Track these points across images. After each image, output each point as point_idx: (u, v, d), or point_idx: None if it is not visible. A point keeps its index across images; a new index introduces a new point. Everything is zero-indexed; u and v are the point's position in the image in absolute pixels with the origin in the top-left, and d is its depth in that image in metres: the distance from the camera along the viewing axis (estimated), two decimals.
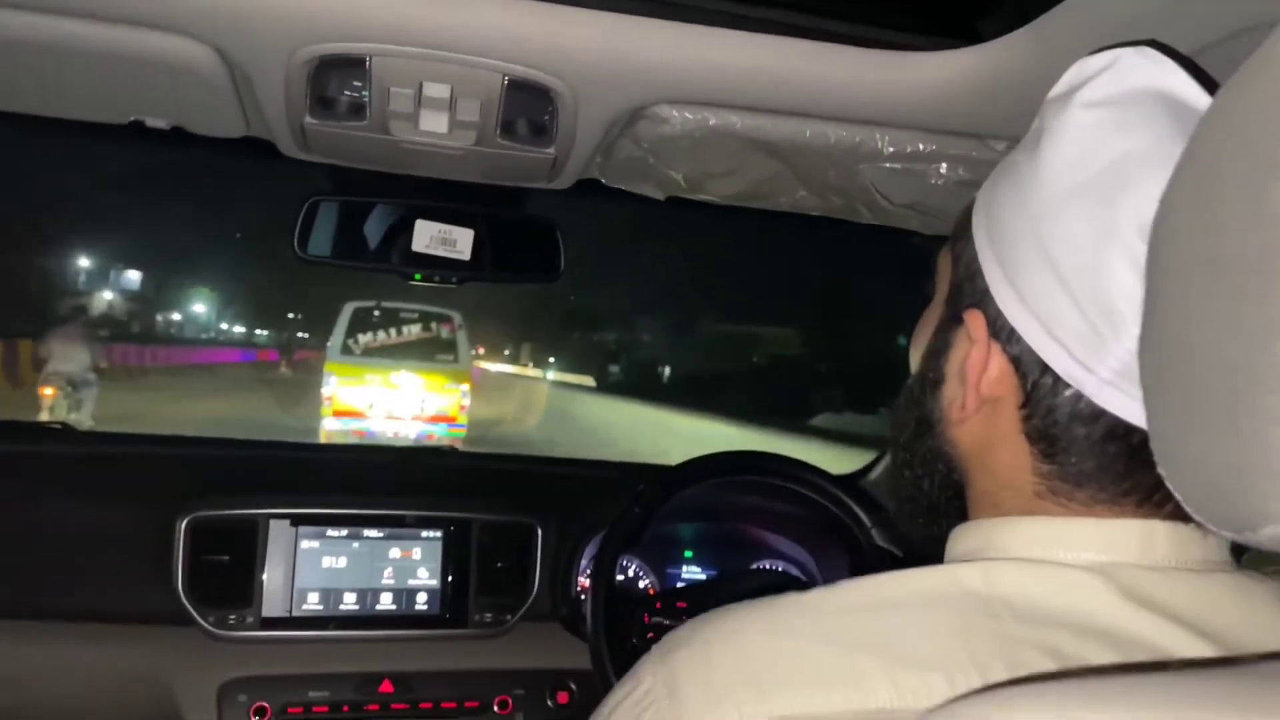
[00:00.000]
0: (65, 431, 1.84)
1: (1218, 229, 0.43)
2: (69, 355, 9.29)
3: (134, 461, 1.76)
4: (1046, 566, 0.59)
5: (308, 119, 1.03)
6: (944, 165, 1.06)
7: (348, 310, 11.11)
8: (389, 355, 10.88)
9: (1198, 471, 0.46)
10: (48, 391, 9.02)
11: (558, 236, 1.44)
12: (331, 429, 10.08)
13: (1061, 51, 0.72)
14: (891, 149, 1.05)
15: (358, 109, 1.02)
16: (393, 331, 11.12)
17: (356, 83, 0.98)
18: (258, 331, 38.92)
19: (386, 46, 0.91)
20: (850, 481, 1.71)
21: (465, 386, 11.02)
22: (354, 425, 10.10)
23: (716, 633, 0.62)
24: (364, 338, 10.94)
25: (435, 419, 10.50)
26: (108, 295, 28.49)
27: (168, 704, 1.47)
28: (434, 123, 1.03)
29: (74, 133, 1.22)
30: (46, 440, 1.82)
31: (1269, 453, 0.39)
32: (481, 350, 29.22)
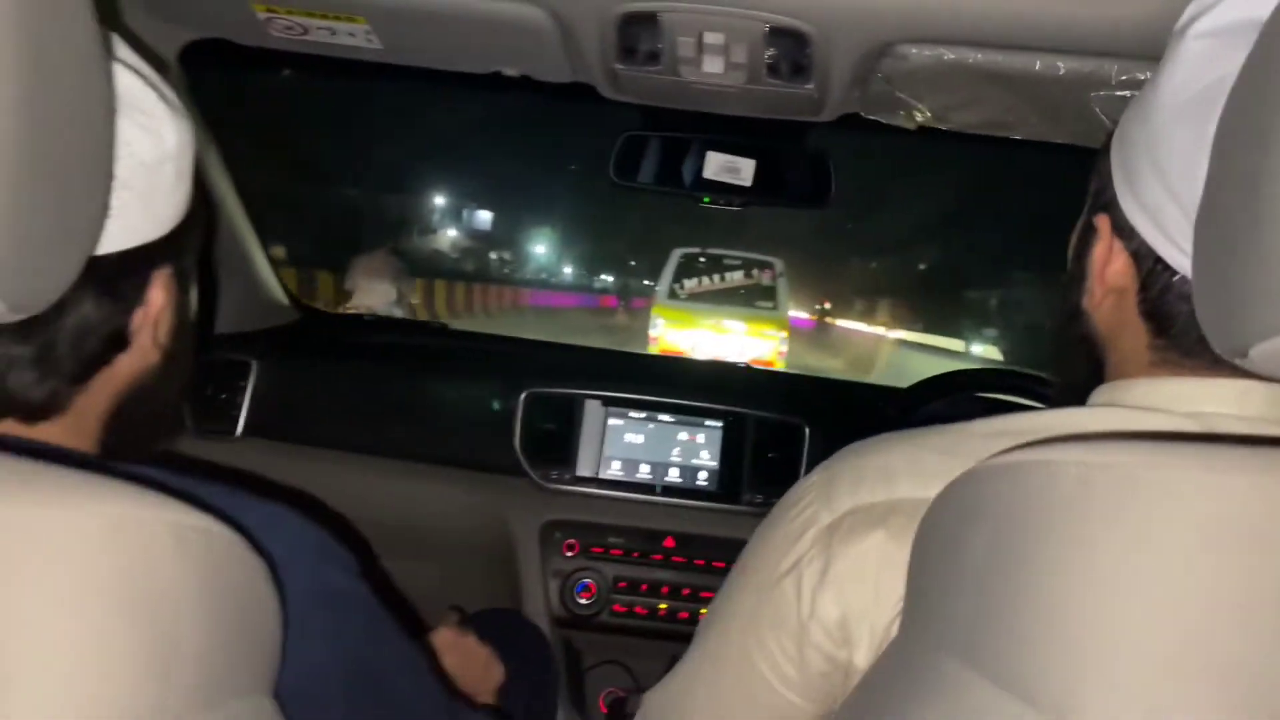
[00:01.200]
0: (440, 328, 2.35)
1: (1259, 135, 0.56)
2: (375, 289, 8.76)
3: (490, 353, 2.23)
4: (1150, 413, 0.73)
5: (617, 65, 1.30)
6: None
7: (675, 256, 11.73)
8: (711, 300, 11.38)
9: (1210, 301, 0.60)
10: None
11: (829, 166, 1.64)
12: None
13: None
14: (1121, 77, 1.13)
15: (653, 55, 1.28)
16: (716, 277, 11.61)
17: (651, 33, 1.24)
18: (601, 277, 40.05)
19: (671, 4, 1.16)
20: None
21: (784, 334, 11.29)
22: None
23: (872, 445, 0.83)
24: (689, 283, 11.51)
25: (753, 363, 10.79)
26: (446, 233, 28.77)
27: (505, 533, 1.89)
28: (713, 65, 1.26)
29: (439, 82, 1.58)
30: (426, 334, 2.35)
31: (1258, 277, 0.53)
32: (828, 305, 28.95)
